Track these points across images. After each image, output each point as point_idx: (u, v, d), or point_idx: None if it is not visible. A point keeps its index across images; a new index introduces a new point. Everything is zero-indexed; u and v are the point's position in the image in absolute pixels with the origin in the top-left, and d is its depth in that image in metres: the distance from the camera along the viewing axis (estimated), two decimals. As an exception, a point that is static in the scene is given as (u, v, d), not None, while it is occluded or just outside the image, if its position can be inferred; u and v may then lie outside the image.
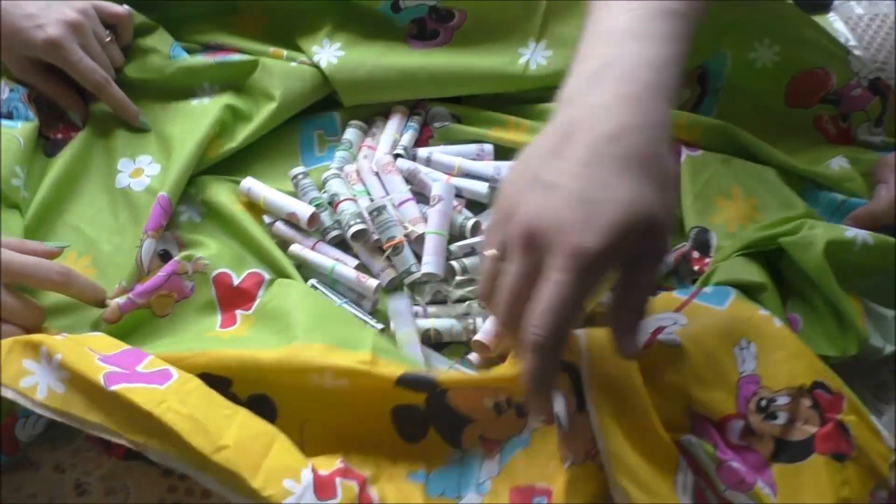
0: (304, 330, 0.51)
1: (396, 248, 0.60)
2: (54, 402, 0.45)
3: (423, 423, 0.50)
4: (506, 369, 0.48)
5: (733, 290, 0.53)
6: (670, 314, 0.50)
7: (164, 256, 0.60)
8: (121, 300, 0.55)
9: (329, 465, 0.46)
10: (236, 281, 0.58)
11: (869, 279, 0.56)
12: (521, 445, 0.49)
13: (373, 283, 0.59)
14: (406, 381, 0.48)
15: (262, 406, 0.49)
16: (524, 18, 0.71)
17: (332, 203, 0.62)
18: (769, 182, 0.62)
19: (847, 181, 0.63)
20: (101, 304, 0.55)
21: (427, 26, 0.72)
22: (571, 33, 0.69)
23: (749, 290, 0.54)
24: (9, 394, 0.45)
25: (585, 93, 0.45)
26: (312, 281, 0.59)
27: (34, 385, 0.45)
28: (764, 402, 0.48)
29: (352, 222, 0.61)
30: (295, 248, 0.61)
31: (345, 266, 0.60)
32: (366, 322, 0.57)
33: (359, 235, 0.61)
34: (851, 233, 0.55)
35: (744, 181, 0.62)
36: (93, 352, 0.47)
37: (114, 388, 0.44)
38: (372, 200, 0.63)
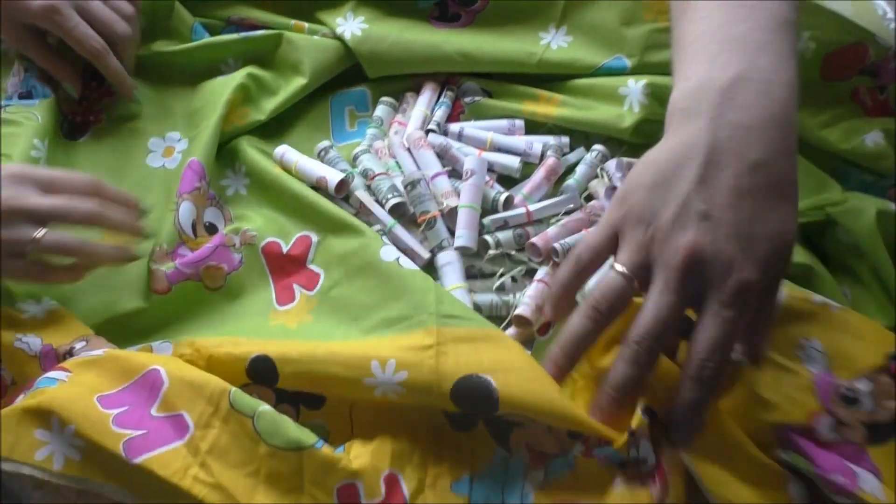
0: (364, 326, 0.52)
1: (430, 223, 0.60)
2: (72, 470, 0.44)
3: (473, 418, 0.49)
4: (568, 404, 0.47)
5: (783, 281, 0.52)
6: None
7: (211, 229, 0.60)
8: (168, 269, 0.56)
9: (378, 466, 0.46)
10: (285, 248, 0.59)
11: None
12: (566, 468, 0.48)
13: (421, 259, 0.59)
14: (461, 395, 0.46)
15: (308, 395, 0.50)
16: (546, 4, 0.71)
17: (366, 177, 0.62)
18: (803, 164, 0.62)
19: (882, 159, 0.63)
20: (137, 232, 0.55)
21: (449, 9, 0.72)
22: (593, 21, 0.70)
23: (798, 274, 0.53)
24: (25, 470, 0.44)
25: (724, 106, 0.45)
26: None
27: (49, 456, 0.44)
28: (845, 391, 0.48)
29: (389, 195, 0.61)
30: (360, 193, 0.61)
31: (402, 229, 0.60)
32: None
33: (396, 209, 0.61)
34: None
35: None
36: (103, 406, 0.46)
37: (136, 460, 0.44)
38: (404, 175, 0.63)
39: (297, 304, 0.57)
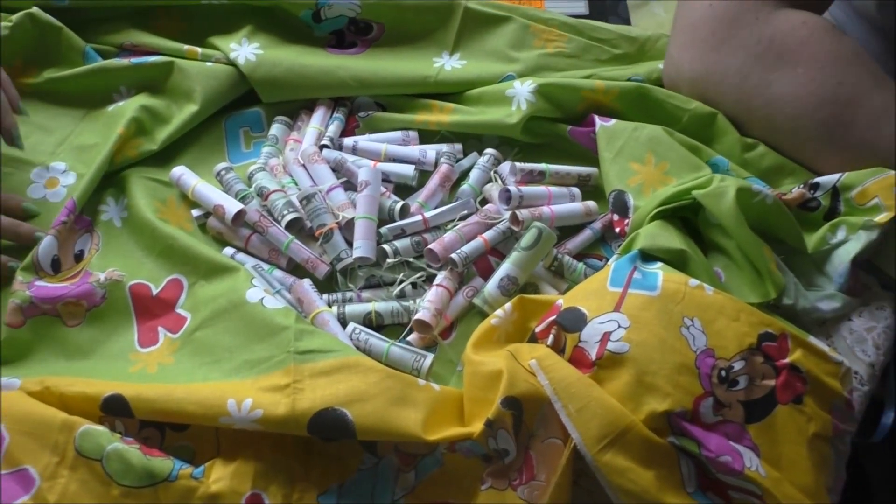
0: (225, 368, 0.52)
1: (327, 236, 0.60)
2: None
3: None
4: (420, 427, 0.48)
5: (660, 266, 0.54)
6: (611, 315, 0.51)
7: (79, 257, 0.60)
8: (24, 304, 0.55)
9: (238, 489, 0.47)
10: (155, 291, 0.59)
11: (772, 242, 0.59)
12: (435, 466, 0.50)
13: (323, 268, 0.60)
14: (318, 428, 0.48)
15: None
16: (440, 31, 0.74)
17: (261, 195, 0.63)
18: (677, 148, 0.65)
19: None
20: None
21: (346, 38, 0.74)
22: (485, 47, 0.74)
23: (673, 259, 0.55)
24: None
25: None
26: (250, 267, 0.59)
27: None
28: (723, 373, 0.50)
29: (285, 212, 0.61)
30: (253, 214, 0.61)
31: (299, 244, 0.61)
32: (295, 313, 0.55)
33: (293, 224, 0.61)
34: (758, 187, 0.58)
35: (654, 147, 0.65)
36: None
37: None
38: (300, 190, 0.63)
39: (159, 346, 0.56)
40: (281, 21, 0.73)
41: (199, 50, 0.71)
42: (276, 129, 0.69)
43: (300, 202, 0.62)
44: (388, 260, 0.60)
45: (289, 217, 0.61)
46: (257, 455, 0.49)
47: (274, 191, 0.62)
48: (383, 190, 0.64)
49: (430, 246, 0.61)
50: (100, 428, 0.48)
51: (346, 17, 0.73)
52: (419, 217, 0.62)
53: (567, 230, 0.65)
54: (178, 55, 0.71)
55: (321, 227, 0.61)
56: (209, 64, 0.70)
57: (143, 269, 0.60)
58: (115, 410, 0.49)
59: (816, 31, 0.62)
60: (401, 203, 0.63)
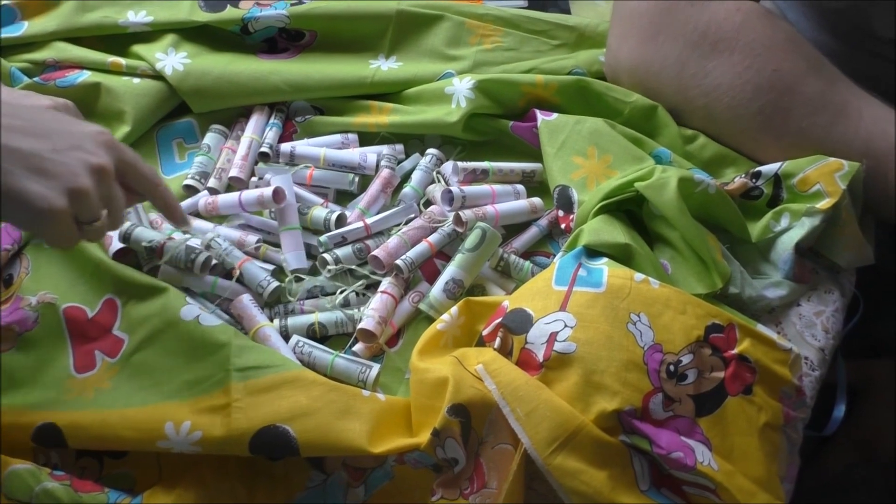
0: (164, 391, 0.50)
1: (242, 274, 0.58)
2: None
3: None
4: (365, 440, 0.47)
5: (605, 262, 0.53)
6: (557, 314, 0.50)
7: (8, 280, 0.58)
8: None
9: None
10: (91, 314, 0.56)
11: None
12: (385, 479, 0.49)
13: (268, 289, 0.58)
14: (261, 447, 0.46)
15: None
16: (375, 35, 0.72)
17: (153, 251, 0.59)
18: (620, 140, 0.64)
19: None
20: (182, 221, 0.54)
21: (278, 44, 0.73)
22: (421, 47, 0.73)
23: (618, 254, 0.55)
24: None
25: None
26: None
27: None
28: (672, 367, 0.49)
29: (192, 255, 0.57)
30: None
31: (224, 281, 0.58)
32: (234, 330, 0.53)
33: (210, 268, 0.58)
34: (699, 177, 0.57)
35: (597, 140, 0.64)
36: None
37: None
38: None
39: (97, 371, 0.53)
40: (209, 33, 0.71)
41: (124, 62, 0.68)
42: (210, 138, 0.67)
43: (205, 248, 0.59)
44: (329, 268, 0.58)
45: (201, 258, 0.57)
46: (199, 480, 0.47)
47: (167, 240, 0.58)
48: (321, 200, 0.62)
49: (374, 252, 0.59)
50: (27, 466, 0.46)
51: (275, 28, 0.71)
52: (360, 224, 0.61)
53: (513, 228, 0.63)
54: (102, 69, 0.68)
55: (233, 269, 0.58)
56: (136, 81, 0.67)
57: (77, 291, 0.57)
58: (47, 440, 0.47)
59: (750, 16, 0.62)
60: (337, 212, 0.61)
